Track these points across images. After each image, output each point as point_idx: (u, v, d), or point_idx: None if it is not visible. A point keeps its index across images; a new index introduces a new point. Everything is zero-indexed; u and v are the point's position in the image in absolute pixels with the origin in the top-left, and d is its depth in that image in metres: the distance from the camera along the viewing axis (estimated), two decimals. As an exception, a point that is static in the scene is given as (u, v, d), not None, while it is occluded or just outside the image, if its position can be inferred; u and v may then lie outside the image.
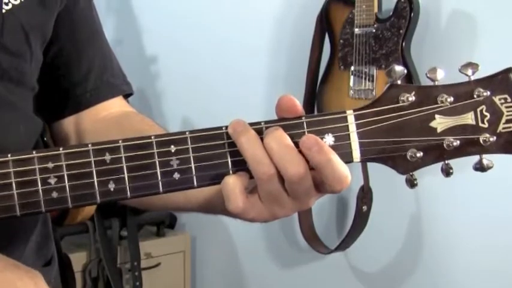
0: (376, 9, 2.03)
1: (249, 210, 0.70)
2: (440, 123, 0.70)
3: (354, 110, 0.70)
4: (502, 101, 0.70)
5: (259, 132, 0.69)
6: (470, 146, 0.70)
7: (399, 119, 0.70)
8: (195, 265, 2.76)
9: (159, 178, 0.69)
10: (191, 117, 2.71)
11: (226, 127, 0.70)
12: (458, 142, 0.70)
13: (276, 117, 0.72)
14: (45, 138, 0.98)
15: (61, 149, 0.69)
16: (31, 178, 0.68)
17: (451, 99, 0.70)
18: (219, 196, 0.73)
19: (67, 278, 2.44)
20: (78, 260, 2.40)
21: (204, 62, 2.63)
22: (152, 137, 0.70)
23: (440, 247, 2.11)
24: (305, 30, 2.24)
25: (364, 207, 2.16)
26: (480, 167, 0.71)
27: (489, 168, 0.71)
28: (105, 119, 0.97)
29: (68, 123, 0.98)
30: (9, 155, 0.68)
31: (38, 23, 0.89)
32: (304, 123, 0.70)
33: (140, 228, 2.59)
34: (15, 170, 0.68)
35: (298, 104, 0.71)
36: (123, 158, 0.69)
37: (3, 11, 0.85)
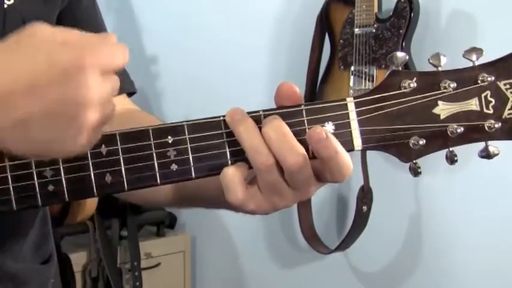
0: (376, 9, 2.03)
1: (249, 202, 0.69)
2: (443, 109, 0.68)
3: (354, 98, 0.69)
4: (508, 86, 0.68)
5: (258, 121, 0.68)
6: (474, 132, 0.68)
7: (401, 106, 0.68)
8: (195, 265, 2.75)
9: (157, 169, 0.68)
10: (191, 117, 2.70)
11: (224, 116, 0.69)
12: (462, 129, 0.68)
13: (275, 106, 0.71)
14: None
15: None
16: (27, 171, 0.67)
17: (454, 84, 0.68)
18: (219, 188, 0.72)
19: (67, 278, 2.45)
20: (78, 260, 2.40)
21: (204, 62, 2.63)
22: (149, 128, 0.69)
23: (440, 247, 2.11)
24: (305, 30, 2.24)
25: (364, 207, 2.16)
26: (486, 154, 0.69)
27: (495, 155, 0.69)
28: None
29: None
30: (3, 151, 0.67)
31: (40, 19, 0.89)
32: (304, 111, 0.69)
33: (140, 228, 2.59)
34: (11, 164, 0.67)
35: (298, 91, 0.69)
36: (120, 150, 0.68)
37: (5, 6, 0.85)
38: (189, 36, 2.67)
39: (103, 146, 0.68)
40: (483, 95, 0.68)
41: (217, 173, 0.69)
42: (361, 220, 2.18)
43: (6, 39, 0.63)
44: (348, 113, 0.69)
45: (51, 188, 0.68)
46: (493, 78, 0.68)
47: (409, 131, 0.68)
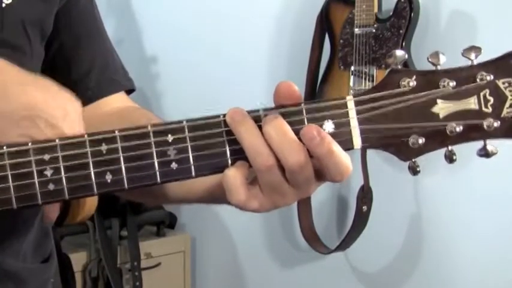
0: (376, 9, 2.03)
1: (251, 202, 0.69)
2: (442, 108, 0.68)
3: (354, 96, 0.69)
4: (506, 84, 0.68)
5: (258, 120, 0.68)
6: (473, 131, 0.68)
7: (400, 105, 0.68)
8: (195, 265, 2.75)
9: (157, 168, 0.68)
10: (191, 117, 2.71)
11: (224, 115, 0.69)
12: (461, 127, 0.68)
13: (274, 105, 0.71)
14: None
15: (57, 140, 0.68)
16: (27, 170, 0.67)
17: (453, 83, 0.68)
18: (220, 186, 0.72)
19: (67, 278, 2.45)
20: (78, 260, 2.40)
21: (204, 61, 2.63)
22: (149, 127, 0.68)
23: (440, 247, 2.11)
24: (305, 30, 2.24)
25: (364, 207, 2.16)
26: (484, 153, 0.69)
27: (493, 154, 0.68)
28: (107, 114, 0.97)
29: None
30: (4, 147, 0.68)
31: (38, 18, 0.90)
32: (304, 110, 0.69)
33: (140, 228, 2.59)
34: (11, 162, 0.67)
35: (297, 90, 0.69)
36: (120, 148, 0.68)
37: (3, 5, 0.85)
38: (189, 36, 2.67)
39: (103, 144, 0.68)
40: (482, 94, 0.68)
41: (217, 172, 0.69)
42: (361, 220, 2.18)
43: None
44: (347, 111, 0.69)
45: (51, 186, 0.68)
46: (491, 76, 0.68)
47: (408, 130, 0.68)
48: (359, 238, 2.21)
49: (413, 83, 0.68)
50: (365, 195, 2.16)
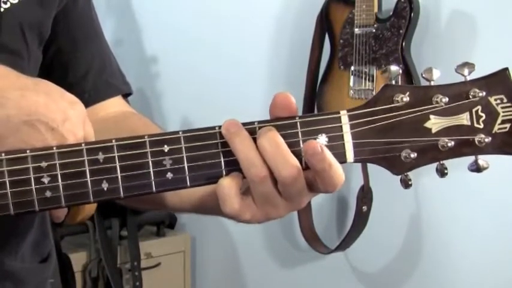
0: (376, 9, 2.03)
1: (244, 212, 0.70)
2: (435, 123, 0.69)
3: (348, 111, 0.70)
4: (498, 101, 0.69)
5: (253, 132, 0.69)
6: (465, 146, 0.69)
7: (393, 120, 0.69)
8: (195, 265, 2.76)
9: (152, 178, 0.69)
10: (191, 117, 2.71)
11: (220, 127, 0.70)
12: (453, 143, 0.69)
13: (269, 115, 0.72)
14: None
15: (54, 148, 0.69)
16: (25, 177, 0.68)
17: (446, 99, 0.69)
18: (213, 197, 0.73)
19: (67, 278, 2.45)
20: (78, 260, 2.40)
21: (204, 62, 2.63)
22: (145, 137, 0.69)
23: (439, 247, 2.11)
24: (305, 30, 2.24)
25: (364, 207, 2.16)
26: (476, 168, 0.70)
27: (484, 169, 0.70)
28: (103, 119, 0.97)
29: None
30: (3, 154, 0.68)
31: (36, 22, 0.90)
32: (298, 123, 0.70)
33: (140, 228, 2.59)
34: (8, 169, 0.68)
35: (294, 102, 0.70)
36: (116, 158, 0.69)
37: (1, 9, 0.85)
38: (189, 36, 2.67)
39: (100, 153, 0.69)
40: (474, 110, 0.69)
41: (211, 182, 0.70)
42: (361, 220, 2.18)
43: None
44: (341, 125, 0.70)
45: (48, 194, 0.69)
46: (484, 93, 0.69)
47: (401, 145, 0.70)
48: (359, 238, 2.21)
49: (406, 98, 0.69)
50: (365, 195, 2.16)
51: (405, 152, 0.70)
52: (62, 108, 0.71)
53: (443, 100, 0.69)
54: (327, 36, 2.18)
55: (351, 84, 2.07)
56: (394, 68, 0.70)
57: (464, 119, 0.69)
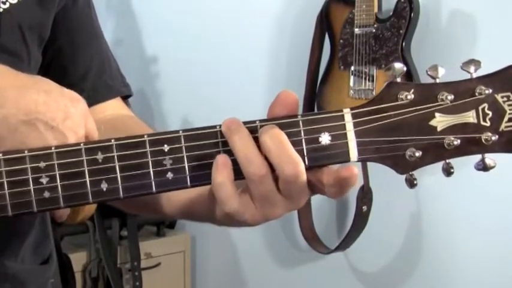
0: (376, 9, 2.03)
1: (243, 212, 0.69)
2: (440, 121, 0.68)
3: (351, 109, 0.68)
4: (505, 98, 0.68)
5: (254, 131, 0.68)
6: (471, 145, 0.68)
7: (398, 118, 0.68)
8: (195, 265, 2.75)
9: (152, 178, 0.68)
10: (191, 117, 2.71)
11: (220, 126, 0.69)
12: (459, 141, 0.68)
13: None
14: None
15: (53, 148, 0.68)
16: (23, 178, 0.67)
17: (452, 97, 0.68)
18: (200, 200, 0.72)
19: (67, 278, 2.45)
20: (78, 260, 2.40)
21: (204, 62, 2.63)
22: (145, 136, 0.68)
23: (440, 247, 2.11)
24: (305, 30, 2.24)
25: (364, 207, 2.16)
26: (483, 167, 0.69)
27: (491, 168, 0.69)
28: (99, 121, 0.97)
29: None
30: (0, 154, 0.68)
31: (36, 23, 0.89)
32: (300, 121, 0.68)
33: (140, 228, 2.59)
34: (6, 170, 0.67)
35: (298, 101, 0.69)
36: (116, 157, 0.68)
37: (1, 9, 0.85)
38: (189, 36, 2.67)
39: (99, 153, 0.68)
40: (480, 108, 0.68)
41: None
42: (361, 220, 2.18)
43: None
44: (344, 124, 0.68)
45: (46, 194, 0.68)
46: (490, 90, 0.68)
47: (406, 143, 0.68)
48: (359, 238, 2.21)
49: (411, 96, 0.68)
50: (365, 195, 2.16)
51: (410, 150, 0.68)
52: (63, 106, 0.70)
53: (449, 98, 0.68)
54: (327, 36, 2.18)
55: (351, 84, 2.07)
56: (398, 65, 0.68)
57: (470, 116, 0.68)
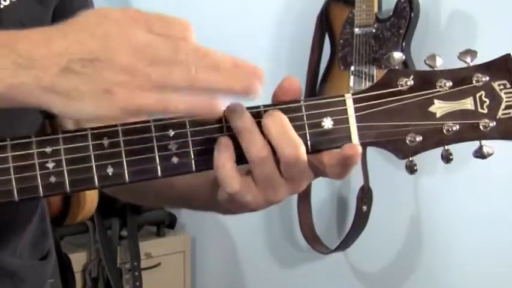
0: (376, 9, 2.04)
1: (245, 193, 0.69)
2: (439, 107, 0.69)
3: (353, 94, 0.70)
4: (501, 86, 0.70)
5: (257, 116, 0.69)
6: (470, 131, 0.69)
7: (398, 103, 0.69)
8: (195, 265, 2.76)
9: (158, 162, 0.69)
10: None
11: (225, 110, 0.69)
12: (457, 127, 0.69)
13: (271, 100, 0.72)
14: None
15: (59, 133, 0.68)
16: (29, 162, 0.67)
17: (450, 84, 0.69)
18: (204, 185, 0.72)
19: (67, 278, 2.45)
20: (78, 260, 2.40)
21: (204, 62, 2.63)
22: (151, 121, 0.69)
23: (439, 247, 2.11)
24: (305, 31, 2.24)
25: (364, 207, 2.16)
26: (480, 154, 0.70)
27: (489, 155, 0.70)
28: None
29: (68, 120, 0.98)
30: (8, 139, 0.68)
31: (36, 19, 0.89)
32: (303, 106, 0.70)
33: (140, 228, 2.59)
34: (13, 154, 0.67)
35: (301, 89, 0.70)
36: (121, 142, 0.68)
37: (1, 6, 0.85)
38: (189, 36, 2.67)
39: (105, 138, 0.68)
40: (478, 95, 0.70)
41: None
42: (361, 220, 2.18)
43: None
44: (346, 108, 0.70)
45: (53, 179, 0.68)
46: (487, 78, 0.69)
47: (406, 128, 0.70)
48: (359, 238, 2.21)
49: (410, 82, 0.70)
50: (365, 195, 2.16)
51: (410, 135, 0.69)
52: (99, 36, 0.63)
53: (447, 84, 0.69)
54: (327, 36, 2.18)
55: (351, 84, 2.08)
56: (397, 54, 0.70)
57: (468, 103, 0.69)
